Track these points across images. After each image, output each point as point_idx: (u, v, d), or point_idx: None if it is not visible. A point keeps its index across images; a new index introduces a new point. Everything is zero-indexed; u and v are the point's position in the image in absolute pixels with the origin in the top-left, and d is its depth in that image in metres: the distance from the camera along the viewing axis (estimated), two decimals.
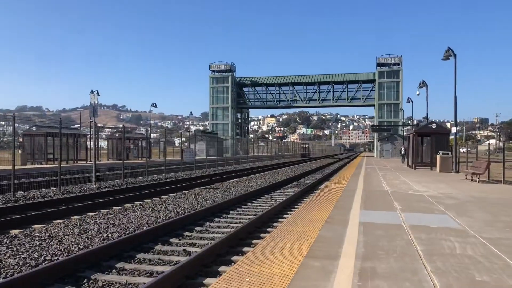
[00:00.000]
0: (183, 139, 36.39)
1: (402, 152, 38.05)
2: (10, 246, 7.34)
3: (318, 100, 79.45)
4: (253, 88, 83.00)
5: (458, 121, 26.22)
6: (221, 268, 6.19)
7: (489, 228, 7.08)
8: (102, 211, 11.50)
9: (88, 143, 35.98)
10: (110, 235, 8.38)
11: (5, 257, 6.63)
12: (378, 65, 74.05)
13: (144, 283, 5.35)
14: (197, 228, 9.26)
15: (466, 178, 18.59)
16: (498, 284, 4.18)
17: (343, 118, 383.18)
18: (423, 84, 35.53)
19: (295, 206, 12.70)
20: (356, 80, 77.05)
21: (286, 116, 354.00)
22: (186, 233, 8.72)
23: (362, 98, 77.35)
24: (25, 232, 8.54)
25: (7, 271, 5.94)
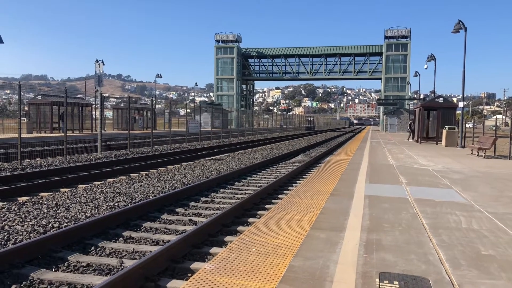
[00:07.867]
0: (188, 110, 36.28)
1: (412, 127, 33.97)
2: (18, 213, 7.43)
3: (324, 72, 78.59)
4: (258, 59, 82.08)
5: (465, 96, 25.91)
6: (227, 238, 6.25)
7: (495, 203, 7.08)
8: (108, 180, 11.58)
9: (93, 112, 36.03)
10: (116, 204, 8.46)
11: (14, 224, 6.72)
12: (386, 37, 72.73)
13: (151, 251, 5.41)
14: (203, 199, 9.32)
15: (472, 153, 18.52)
16: (504, 258, 4.19)
17: (349, 91, 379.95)
18: (431, 57, 35.00)
19: (300, 179, 12.73)
20: (363, 53, 75.92)
21: (291, 89, 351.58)
22: (192, 203, 8.79)
23: (369, 71, 76.43)
24: (33, 200, 8.63)
25: (16, 237, 6.02)
